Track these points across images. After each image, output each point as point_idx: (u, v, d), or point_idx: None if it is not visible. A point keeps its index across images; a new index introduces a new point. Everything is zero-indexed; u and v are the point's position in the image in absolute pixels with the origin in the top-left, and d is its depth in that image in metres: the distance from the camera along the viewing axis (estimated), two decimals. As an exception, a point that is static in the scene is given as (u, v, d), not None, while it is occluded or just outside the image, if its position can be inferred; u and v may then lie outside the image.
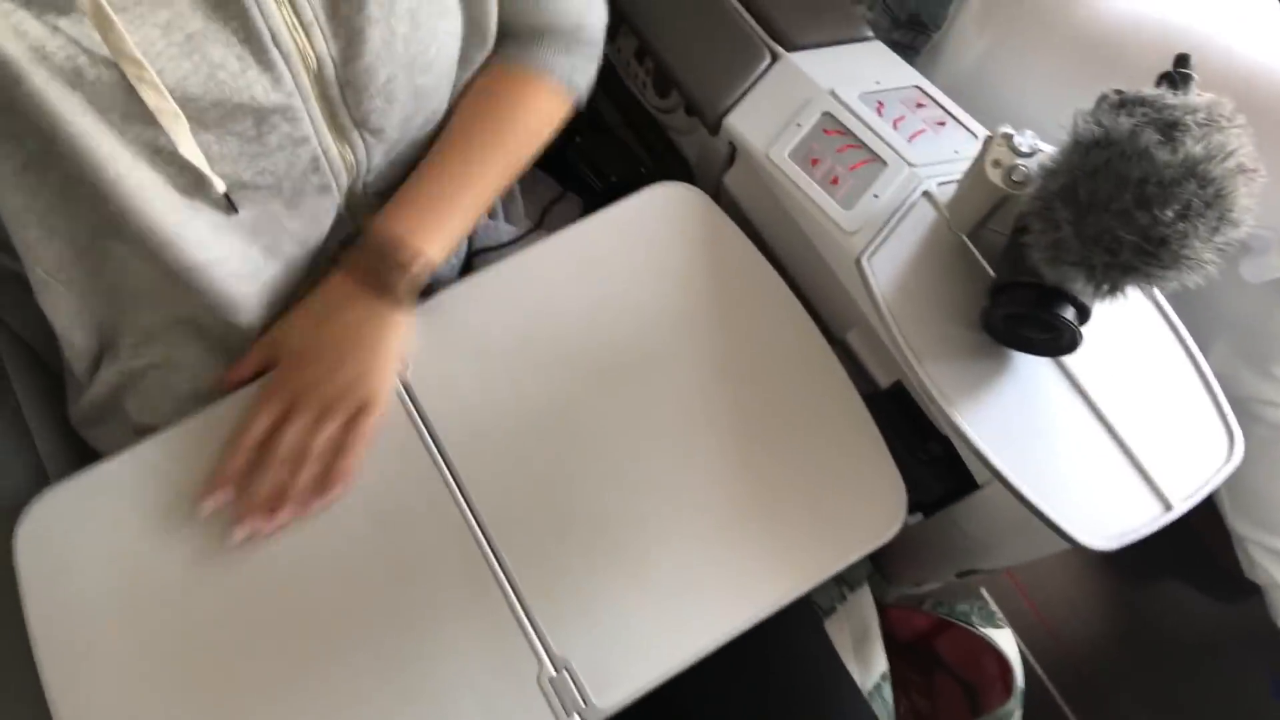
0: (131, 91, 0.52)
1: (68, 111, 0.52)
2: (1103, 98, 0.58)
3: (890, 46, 0.84)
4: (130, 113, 0.53)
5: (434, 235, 0.71)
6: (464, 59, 0.71)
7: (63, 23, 0.50)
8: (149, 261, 0.62)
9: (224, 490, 0.65)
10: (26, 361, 0.84)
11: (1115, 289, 0.57)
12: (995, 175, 0.64)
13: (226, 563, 0.64)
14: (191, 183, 0.58)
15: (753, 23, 0.84)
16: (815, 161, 0.75)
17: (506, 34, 0.74)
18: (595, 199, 0.96)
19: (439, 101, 0.70)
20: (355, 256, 0.70)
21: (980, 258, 0.69)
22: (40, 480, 0.76)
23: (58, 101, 0.51)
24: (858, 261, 0.70)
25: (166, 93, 0.53)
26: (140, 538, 0.64)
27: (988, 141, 0.65)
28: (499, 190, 0.76)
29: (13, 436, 0.78)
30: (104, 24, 0.49)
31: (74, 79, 0.51)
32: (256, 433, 0.66)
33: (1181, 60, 0.58)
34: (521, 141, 0.76)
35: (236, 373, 0.70)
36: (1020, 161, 0.63)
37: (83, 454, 0.80)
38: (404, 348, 0.71)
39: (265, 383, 0.69)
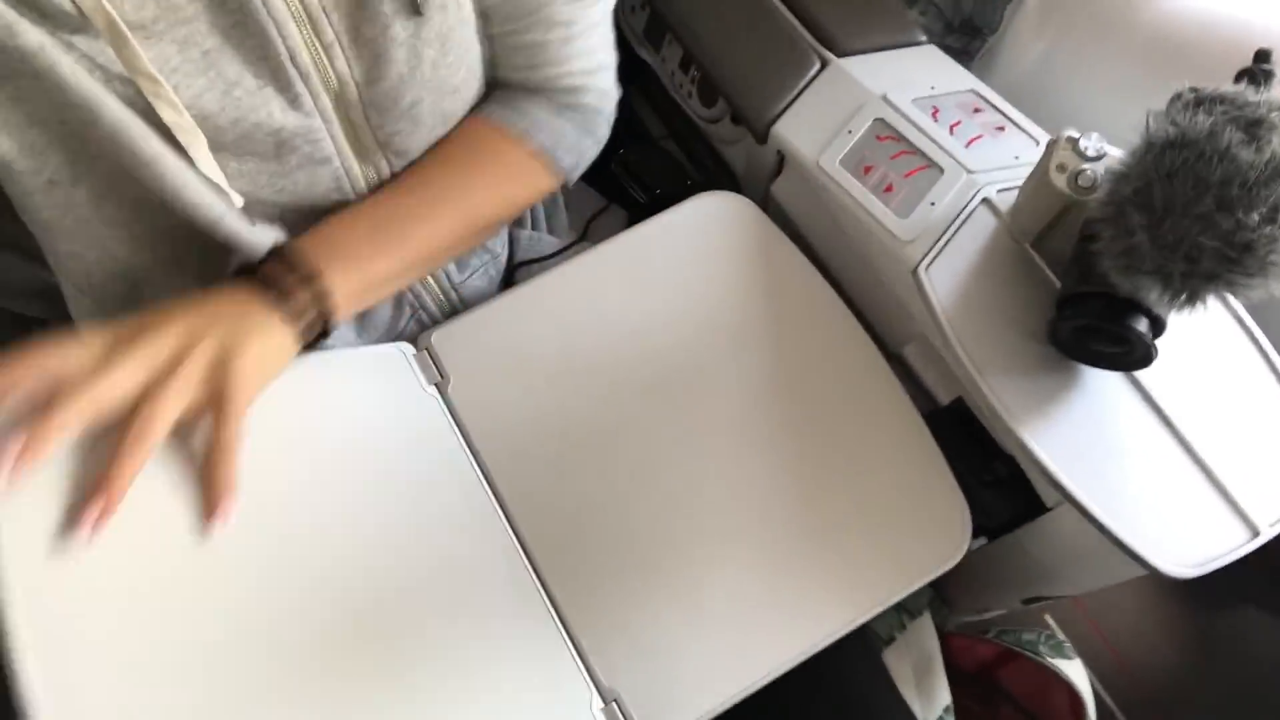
0: (148, 107, 0.52)
1: (104, 105, 0.51)
2: (1177, 96, 0.54)
3: (943, 52, 0.81)
4: (153, 126, 0.53)
5: (348, 269, 0.61)
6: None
7: (78, 39, 0.49)
8: (189, 283, 0.61)
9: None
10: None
11: (1194, 299, 0.53)
12: (1060, 180, 0.61)
13: (251, 573, 0.59)
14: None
15: (801, 28, 0.82)
16: (868, 169, 0.72)
17: (498, 84, 0.70)
18: (640, 211, 0.94)
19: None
20: (267, 258, 0.61)
21: (1045, 267, 0.65)
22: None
23: (95, 91, 0.50)
24: (914, 272, 0.67)
25: (183, 109, 0.52)
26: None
27: (1051, 145, 0.61)
28: (446, 252, 0.68)
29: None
30: (119, 41, 0.49)
31: None
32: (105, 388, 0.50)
33: (1262, 55, 0.55)
34: (484, 202, 0.68)
35: None
36: (1086, 166, 0.60)
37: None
38: (274, 371, 0.59)
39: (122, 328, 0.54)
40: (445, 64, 0.61)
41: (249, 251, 0.60)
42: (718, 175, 0.95)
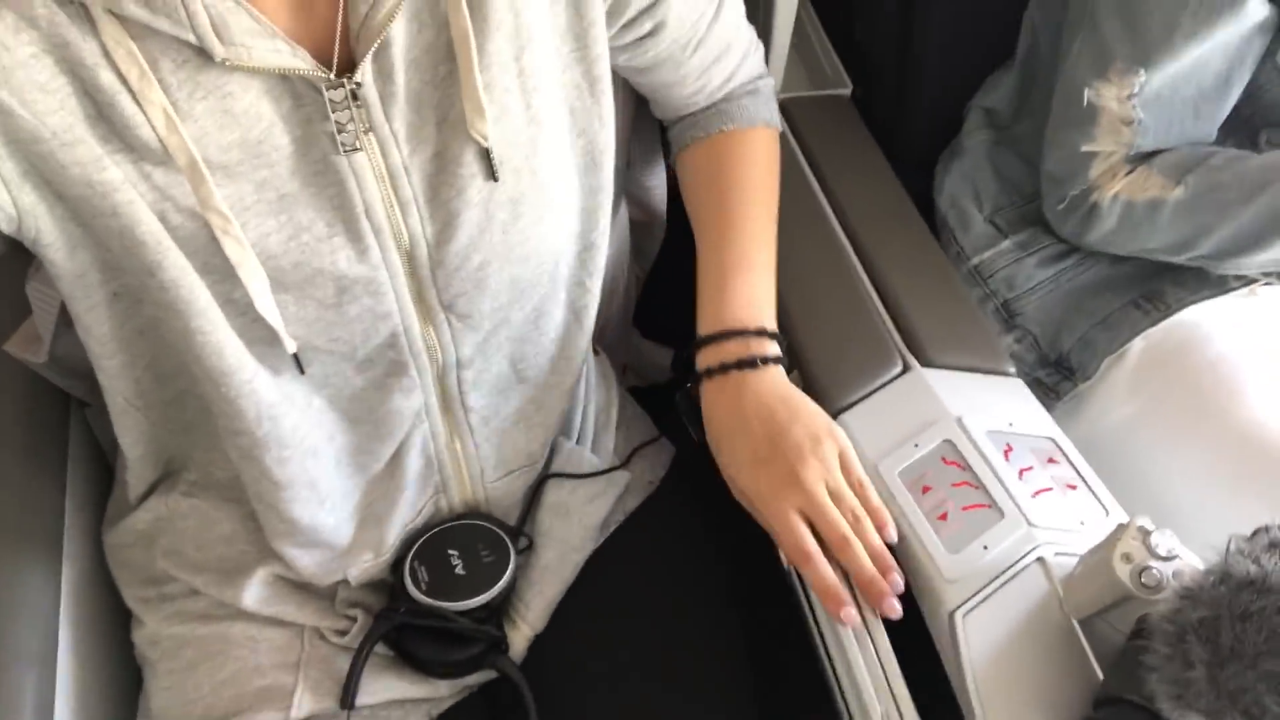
0: (214, 242, 0.53)
1: (169, 254, 0.52)
2: (1265, 529, 0.51)
3: (1031, 385, 0.79)
4: (211, 264, 0.54)
5: (752, 307, 0.73)
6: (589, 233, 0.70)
7: (156, 172, 0.51)
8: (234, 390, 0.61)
9: (843, 601, 0.64)
10: (90, 470, 0.83)
11: (1248, 756, 0.48)
12: (1123, 570, 0.57)
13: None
14: (263, 337, 0.58)
15: (891, 326, 0.81)
16: (926, 489, 0.69)
17: (691, 116, 0.79)
18: (690, 452, 0.91)
19: (541, 296, 0.68)
20: (706, 364, 0.72)
21: (1089, 653, 0.61)
22: (54, 590, 0.73)
23: (161, 240, 0.52)
24: (952, 616, 0.63)
25: (249, 247, 0.53)
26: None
27: (1120, 530, 0.58)
28: (773, 231, 0.78)
29: (43, 545, 0.76)
30: (197, 179, 0.51)
31: (162, 223, 0.52)
32: (806, 542, 0.65)
33: (1365, 512, 0.52)
34: (766, 189, 0.78)
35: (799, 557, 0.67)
36: (1154, 564, 0.56)
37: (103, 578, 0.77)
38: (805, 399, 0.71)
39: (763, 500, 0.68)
40: (515, 229, 0.61)
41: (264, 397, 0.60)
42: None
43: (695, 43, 0.72)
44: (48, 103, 0.47)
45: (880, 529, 0.66)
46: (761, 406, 0.69)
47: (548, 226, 0.63)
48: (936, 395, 0.75)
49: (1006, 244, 0.95)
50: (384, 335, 0.62)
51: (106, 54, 0.48)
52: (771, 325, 0.72)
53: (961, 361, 0.78)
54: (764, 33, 0.94)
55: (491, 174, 0.59)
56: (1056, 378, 0.91)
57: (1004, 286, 0.94)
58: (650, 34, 0.68)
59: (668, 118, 0.81)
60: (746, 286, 0.73)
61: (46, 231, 0.52)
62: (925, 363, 0.78)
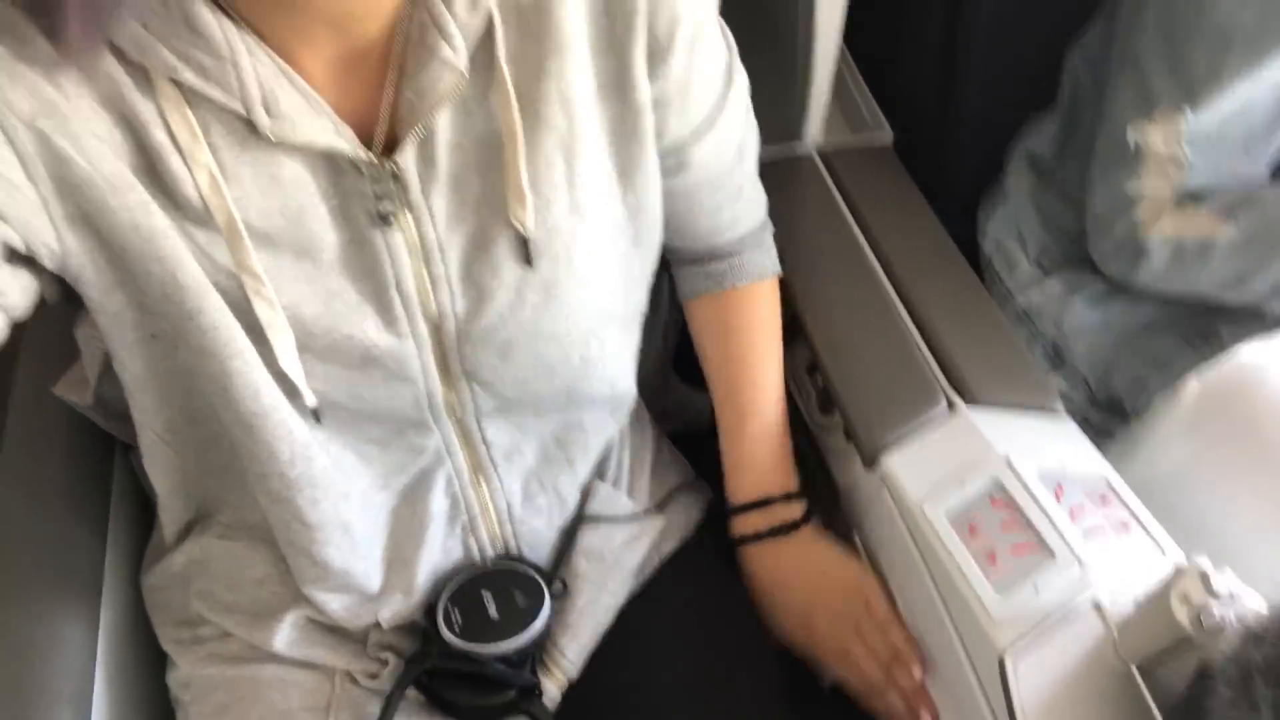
0: (248, 300, 0.54)
1: (209, 297, 0.53)
2: (1333, 564, 0.48)
3: (1081, 426, 0.77)
4: (243, 320, 0.55)
5: (776, 472, 0.81)
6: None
7: (198, 232, 0.52)
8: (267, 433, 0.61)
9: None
10: (132, 514, 0.84)
11: (1325, 810, 0.45)
12: (1181, 613, 0.54)
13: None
14: (287, 389, 0.58)
15: (934, 365, 0.79)
16: (974, 530, 0.67)
17: (700, 265, 0.80)
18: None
19: (570, 374, 0.67)
20: (745, 531, 0.81)
21: (1149, 699, 0.57)
22: (91, 633, 0.73)
23: (203, 284, 0.53)
24: (1002, 659, 0.60)
25: (280, 309, 0.54)
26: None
27: (1178, 571, 0.55)
28: (782, 386, 0.83)
29: (82, 587, 0.76)
30: (235, 239, 0.52)
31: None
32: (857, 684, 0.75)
33: None
34: (773, 343, 0.83)
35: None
36: (1215, 605, 0.53)
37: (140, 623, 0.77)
38: (831, 540, 0.79)
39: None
40: (547, 311, 0.61)
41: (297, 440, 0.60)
42: (819, 482, 0.91)
43: (713, 184, 0.72)
44: (102, 150, 0.49)
45: (909, 665, 0.71)
46: (797, 570, 0.79)
47: (579, 309, 0.63)
48: (983, 435, 0.73)
49: (1053, 283, 0.93)
50: (407, 400, 0.63)
51: (162, 115, 0.50)
52: (793, 485, 0.82)
53: (1009, 400, 0.76)
54: (803, 83, 0.94)
55: (527, 259, 0.59)
56: (1108, 418, 0.88)
57: (1052, 327, 0.92)
58: (673, 170, 0.68)
59: (670, 243, 0.78)
60: (769, 453, 0.82)
61: (87, 269, 0.53)
62: (971, 401, 0.76)
